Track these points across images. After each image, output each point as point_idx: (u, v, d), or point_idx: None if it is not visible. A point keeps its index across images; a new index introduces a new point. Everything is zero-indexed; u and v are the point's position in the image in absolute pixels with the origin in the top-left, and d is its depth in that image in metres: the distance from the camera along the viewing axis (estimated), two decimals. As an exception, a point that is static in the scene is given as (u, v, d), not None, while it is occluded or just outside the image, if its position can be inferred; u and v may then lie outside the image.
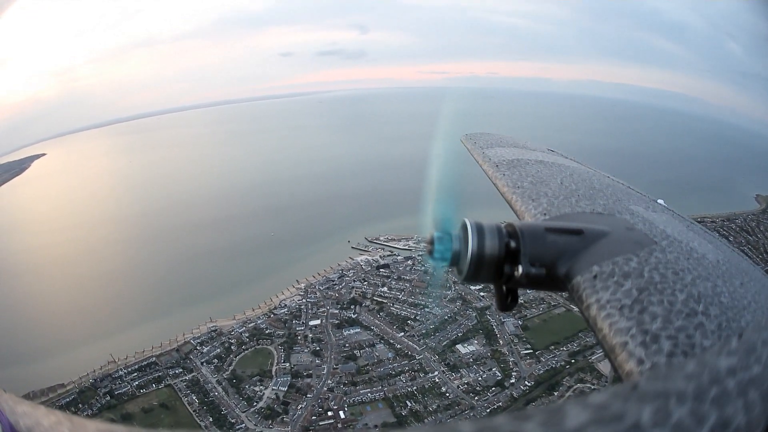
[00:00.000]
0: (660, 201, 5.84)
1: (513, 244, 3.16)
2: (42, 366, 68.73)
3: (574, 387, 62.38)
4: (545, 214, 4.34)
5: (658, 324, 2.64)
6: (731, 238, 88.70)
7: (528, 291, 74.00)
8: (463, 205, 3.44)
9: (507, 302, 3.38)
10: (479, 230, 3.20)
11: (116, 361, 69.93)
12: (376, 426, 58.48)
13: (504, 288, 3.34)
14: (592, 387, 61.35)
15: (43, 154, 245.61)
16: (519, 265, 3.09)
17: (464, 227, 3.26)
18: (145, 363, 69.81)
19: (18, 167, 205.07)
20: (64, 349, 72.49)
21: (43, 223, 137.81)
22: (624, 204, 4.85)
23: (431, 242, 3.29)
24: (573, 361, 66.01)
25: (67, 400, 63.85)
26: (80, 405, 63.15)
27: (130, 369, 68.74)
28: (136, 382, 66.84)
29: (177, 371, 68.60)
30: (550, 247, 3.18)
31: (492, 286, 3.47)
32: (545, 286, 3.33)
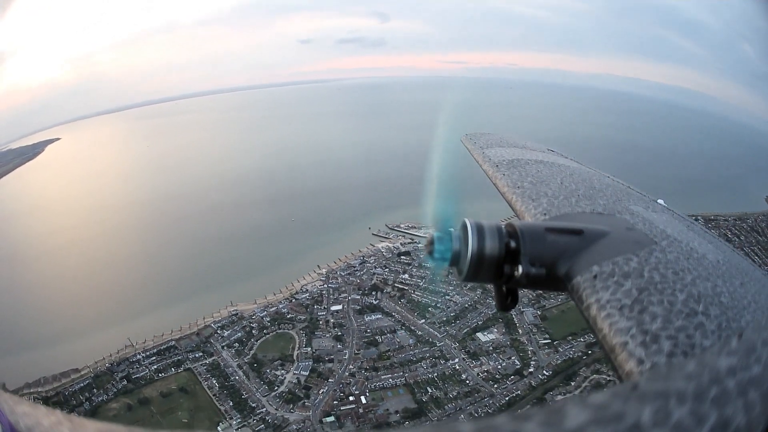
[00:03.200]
0: (660, 201, 5.84)
1: (513, 244, 3.15)
2: (56, 351, 68.87)
3: (591, 378, 62.55)
4: (545, 214, 4.35)
5: (658, 324, 2.64)
6: (742, 238, 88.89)
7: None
8: (463, 205, 3.47)
9: (507, 302, 3.37)
10: (479, 230, 3.19)
11: (134, 345, 70.04)
12: (397, 412, 58.80)
13: (504, 288, 3.33)
14: (608, 378, 61.55)
15: (58, 139, 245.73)
16: (519, 265, 3.08)
17: (464, 227, 3.24)
18: (164, 347, 69.99)
19: (31, 152, 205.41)
20: (80, 334, 72.69)
21: (59, 207, 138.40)
22: (624, 204, 4.86)
23: (431, 242, 3.28)
24: (590, 352, 65.89)
25: (81, 385, 63.94)
26: (95, 390, 63.29)
27: (148, 353, 68.82)
28: (155, 366, 66.86)
29: (197, 355, 68.72)
30: (550, 247, 3.18)
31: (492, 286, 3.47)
32: (545, 286, 3.34)
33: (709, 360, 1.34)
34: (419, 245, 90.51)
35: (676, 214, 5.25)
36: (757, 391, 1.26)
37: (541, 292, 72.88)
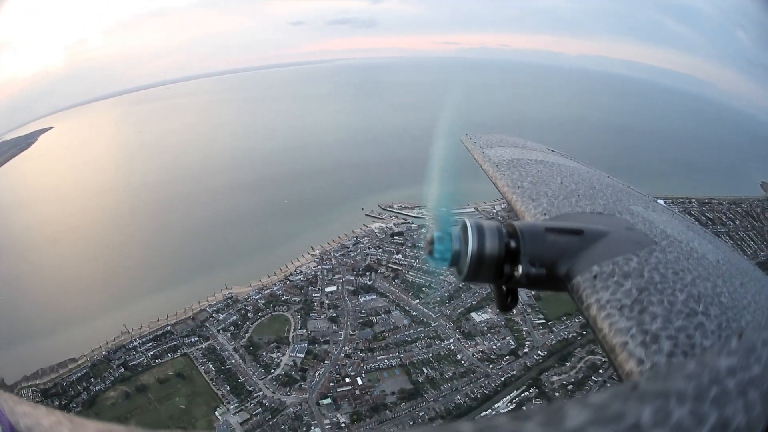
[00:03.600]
0: (660, 201, 6.01)
1: (513, 244, 3.19)
2: (53, 341, 68.70)
3: (586, 358, 62.98)
4: (545, 214, 4.39)
5: (658, 324, 2.66)
6: (737, 222, 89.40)
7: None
8: (464, 205, 3.28)
9: (507, 302, 3.44)
10: (479, 230, 3.23)
11: (130, 331, 69.97)
12: (393, 393, 59.21)
13: (504, 288, 3.39)
14: (603, 359, 61.92)
15: (50, 128, 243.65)
16: (519, 265, 3.13)
17: (464, 227, 3.29)
18: (160, 332, 70.08)
19: (24, 142, 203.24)
20: (75, 323, 72.49)
21: (53, 196, 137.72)
22: (624, 204, 4.88)
23: (431, 242, 3.33)
24: (585, 332, 66.22)
25: (79, 375, 63.99)
26: (93, 379, 63.35)
27: (144, 339, 68.91)
28: (151, 353, 67.02)
29: (193, 340, 68.90)
30: (550, 247, 3.22)
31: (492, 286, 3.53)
32: (545, 286, 3.37)
33: (709, 360, 1.36)
34: (412, 225, 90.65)
35: (676, 214, 5.34)
36: (757, 391, 1.26)
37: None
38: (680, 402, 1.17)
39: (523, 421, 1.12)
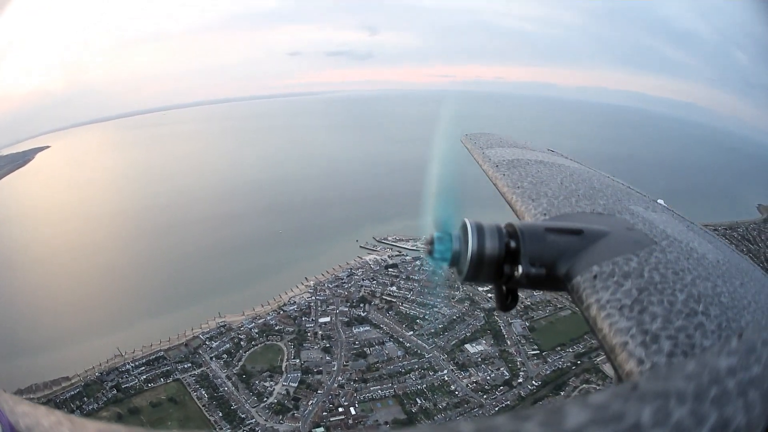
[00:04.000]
0: (660, 201, 5.90)
1: (513, 244, 3.19)
2: (46, 359, 68.50)
3: (580, 387, 62.71)
4: (545, 214, 4.37)
5: (658, 324, 2.66)
6: (733, 246, 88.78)
7: (534, 293, 74.98)
8: (463, 205, 3.47)
9: (507, 302, 3.41)
10: (479, 230, 3.22)
11: (123, 354, 69.80)
12: (386, 423, 58.76)
13: (504, 288, 3.37)
14: (597, 388, 61.73)
15: (47, 147, 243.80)
16: (519, 265, 3.12)
17: (464, 227, 3.28)
18: (153, 357, 69.89)
19: (21, 159, 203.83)
20: (69, 343, 72.27)
21: (46, 215, 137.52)
22: (624, 204, 4.88)
23: (431, 242, 3.32)
24: (579, 362, 66.38)
25: (72, 393, 63.83)
26: (85, 398, 63.09)
27: (137, 363, 68.74)
28: (144, 376, 66.72)
29: (186, 366, 68.55)
30: (550, 247, 3.22)
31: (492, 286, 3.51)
32: (545, 286, 3.37)
33: (709, 360, 1.39)
34: (407, 258, 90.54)
35: (676, 214, 5.33)
36: (757, 391, 1.28)
37: (529, 303, 73.15)
38: (680, 402, 1.19)
39: (523, 421, 1.13)
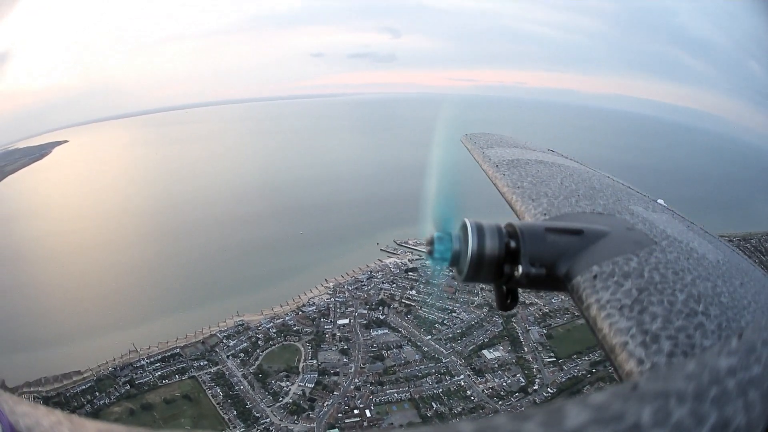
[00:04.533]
0: (660, 201, 5.88)
1: (513, 244, 3.16)
2: (58, 352, 69.00)
3: (594, 397, 62.66)
4: (545, 214, 4.34)
5: (658, 324, 2.64)
6: (747, 257, 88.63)
7: (552, 300, 74.79)
8: (463, 205, 3.45)
9: (507, 302, 3.37)
10: (479, 230, 3.19)
11: (138, 350, 70.07)
12: (401, 425, 58.51)
13: (504, 288, 3.33)
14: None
15: (65, 141, 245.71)
16: (519, 265, 3.08)
17: (464, 227, 3.24)
18: (169, 354, 70.02)
19: (38, 152, 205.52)
20: (83, 337, 72.87)
21: (66, 208, 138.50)
22: (624, 204, 4.86)
23: (431, 242, 3.29)
24: (594, 370, 66.21)
25: (83, 387, 64.06)
26: (97, 393, 63.39)
27: (152, 359, 68.83)
28: (159, 373, 66.87)
29: (202, 363, 68.67)
30: (550, 247, 3.19)
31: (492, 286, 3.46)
32: (545, 286, 3.33)
33: (709, 360, 1.35)
34: (427, 261, 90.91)
35: (676, 214, 5.31)
36: (757, 391, 1.25)
37: (547, 311, 72.93)
38: (680, 402, 1.16)
39: (523, 421, 1.10)
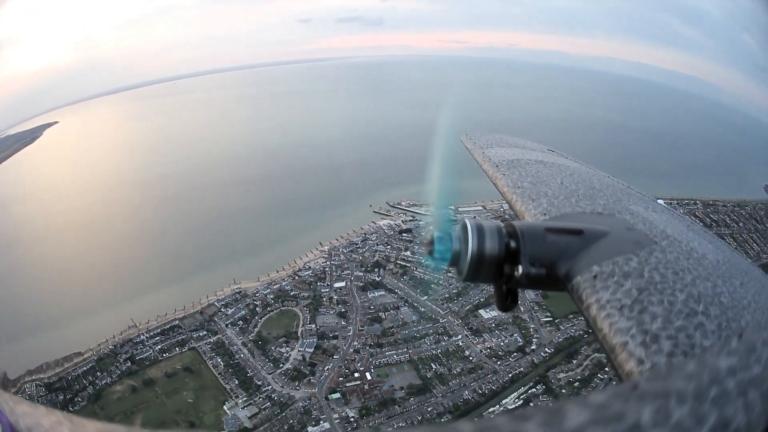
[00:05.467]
0: (660, 201, 5.93)
1: (513, 244, 3.20)
2: (58, 335, 68.98)
3: (592, 356, 63.17)
4: (545, 214, 4.38)
5: (658, 324, 2.65)
6: (740, 224, 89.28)
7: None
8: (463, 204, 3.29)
9: (507, 302, 3.42)
10: (479, 230, 3.23)
11: (137, 325, 69.99)
12: (402, 388, 59.43)
13: (504, 288, 3.38)
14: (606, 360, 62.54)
15: (56, 123, 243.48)
16: (519, 265, 3.13)
17: (464, 227, 3.30)
18: (168, 327, 70.05)
19: (29, 137, 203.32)
20: (80, 317, 72.57)
21: (58, 190, 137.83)
22: (624, 204, 4.87)
23: (431, 242, 3.36)
24: (591, 330, 66.52)
25: (85, 369, 63.91)
26: (98, 373, 63.26)
27: (152, 333, 68.89)
28: (159, 347, 67.01)
29: (201, 334, 68.92)
30: (550, 247, 3.22)
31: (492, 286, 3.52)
32: (545, 286, 3.40)
33: (709, 360, 1.36)
34: (420, 222, 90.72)
35: (676, 214, 5.34)
36: (757, 391, 1.27)
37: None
38: (680, 402, 1.17)
39: (523, 421, 1.11)
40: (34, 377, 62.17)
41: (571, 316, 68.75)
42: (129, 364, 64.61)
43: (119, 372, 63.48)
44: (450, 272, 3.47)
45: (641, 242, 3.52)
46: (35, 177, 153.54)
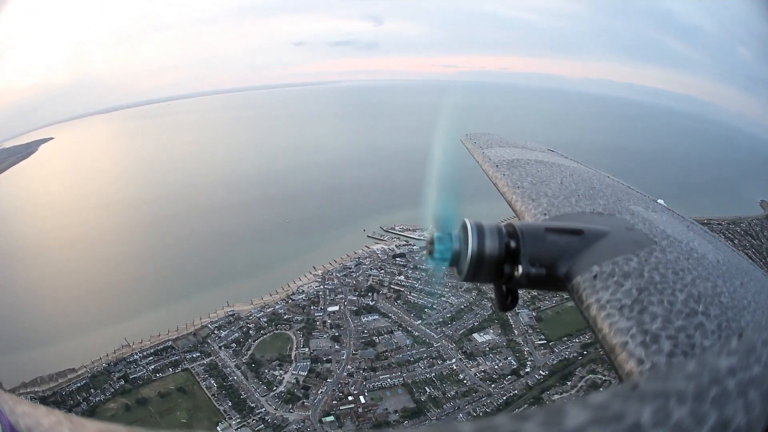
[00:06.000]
0: (660, 201, 5.90)
1: (513, 244, 3.18)
2: (52, 350, 68.78)
3: (586, 377, 63.22)
4: (545, 214, 4.35)
5: (658, 324, 2.65)
6: (736, 241, 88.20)
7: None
8: (463, 205, 3.47)
9: (507, 302, 3.39)
10: (479, 230, 3.21)
11: (130, 345, 69.76)
12: (396, 411, 59.20)
13: (504, 288, 3.36)
14: (604, 378, 62.45)
15: (51, 138, 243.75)
16: (519, 265, 3.11)
17: (464, 227, 3.27)
18: (161, 347, 69.85)
19: (24, 151, 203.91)
20: (74, 334, 72.34)
21: (53, 206, 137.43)
22: (624, 204, 4.85)
23: (431, 242, 3.31)
24: (585, 352, 66.77)
25: (78, 385, 63.76)
26: (92, 390, 63.13)
27: (145, 353, 68.71)
28: (152, 366, 66.73)
29: (194, 355, 68.67)
30: (550, 247, 3.20)
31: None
32: (545, 286, 3.36)
33: (709, 360, 1.39)
34: (414, 247, 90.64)
35: (676, 214, 5.32)
36: (757, 391, 1.28)
37: (536, 293, 73.61)
38: (680, 402, 1.19)
39: (523, 421, 1.12)
40: (28, 389, 61.98)
41: (565, 338, 69.18)
42: (122, 382, 64.41)
43: (113, 390, 63.34)
44: (451, 272, 3.42)
45: (641, 242, 3.53)
46: (30, 192, 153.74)
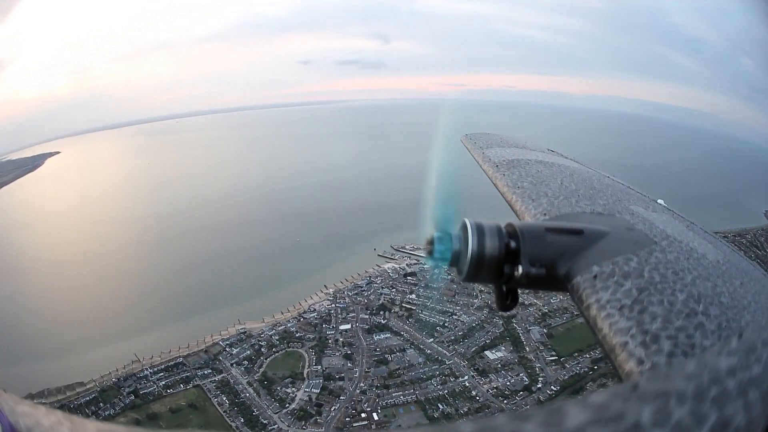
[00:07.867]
0: (660, 201, 5.91)
1: (513, 244, 3.18)
2: (59, 364, 68.75)
3: (597, 391, 63.20)
4: (545, 214, 4.35)
5: (658, 324, 2.67)
6: (742, 253, 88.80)
7: (551, 300, 75.32)
8: (463, 205, 3.50)
9: (507, 302, 3.40)
10: (479, 230, 3.21)
11: (141, 360, 69.76)
12: (409, 427, 58.88)
13: (504, 288, 3.37)
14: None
15: (57, 152, 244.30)
16: (519, 265, 3.11)
17: (464, 227, 3.26)
18: (172, 363, 69.85)
19: (31, 164, 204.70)
20: (83, 349, 72.27)
21: (61, 219, 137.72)
22: (624, 204, 4.87)
23: (431, 242, 3.29)
24: (596, 367, 66.85)
25: (87, 399, 63.77)
26: (101, 404, 63.14)
27: (156, 369, 68.66)
28: (163, 382, 66.69)
29: (206, 372, 68.68)
30: (550, 247, 3.21)
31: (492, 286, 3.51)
32: (545, 286, 3.35)
33: (709, 360, 1.39)
34: (425, 266, 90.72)
35: (676, 214, 5.35)
36: (757, 391, 1.29)
37: (546, 311, 73.48)
38: (680, 402, 1.19)
39: (523, 421, 1.12)
40: (35, 401, 61.40)
41: (576, 354, 69.21)
42: (132, 397, 64.33)
43: (122, 404, 63.35)
44: (450, 272, 3.41)
45: (641, 242, 3.55)
46: (37, 205, 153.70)
